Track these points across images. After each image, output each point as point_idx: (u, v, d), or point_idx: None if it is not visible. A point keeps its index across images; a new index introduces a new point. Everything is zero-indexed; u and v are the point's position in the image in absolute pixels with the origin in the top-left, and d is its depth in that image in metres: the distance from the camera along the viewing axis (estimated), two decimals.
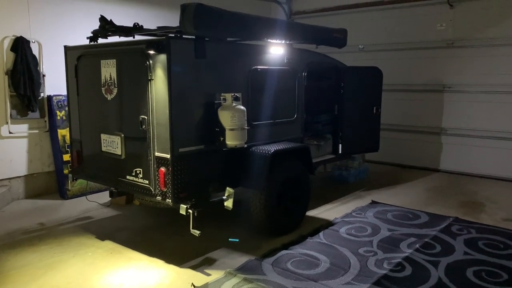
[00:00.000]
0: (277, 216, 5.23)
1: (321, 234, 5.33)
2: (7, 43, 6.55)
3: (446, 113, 8.78)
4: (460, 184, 7.94)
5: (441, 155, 8.92)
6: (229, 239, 4.75)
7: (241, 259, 4.64)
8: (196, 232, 4.46)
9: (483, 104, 8.31)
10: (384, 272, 4.35)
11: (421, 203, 6.70)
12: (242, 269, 4.39)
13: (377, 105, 7.49)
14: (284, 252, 4.79)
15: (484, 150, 8.35)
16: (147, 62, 4.48)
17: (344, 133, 7.02)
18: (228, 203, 4.64)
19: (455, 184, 7.95)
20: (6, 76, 6.55)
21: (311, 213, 6.08)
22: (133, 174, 4.86)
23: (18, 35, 6.59)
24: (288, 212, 5.41)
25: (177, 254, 4.79)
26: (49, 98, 7.00)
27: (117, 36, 5.17)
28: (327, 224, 5.69)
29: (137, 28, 4.97)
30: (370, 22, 9.55)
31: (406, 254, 4.75)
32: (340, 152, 7.07)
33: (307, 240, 5.14)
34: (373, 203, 6.67)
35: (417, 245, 4.99)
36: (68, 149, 6.60)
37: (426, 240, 5.15)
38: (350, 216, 6.04)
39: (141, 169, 4.77)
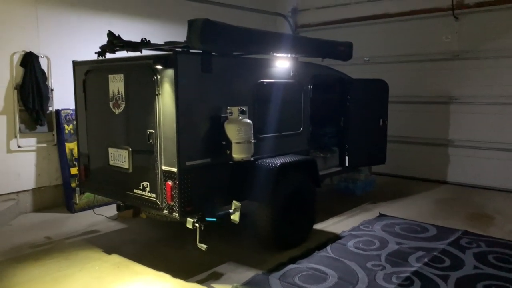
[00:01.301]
0: (284, 230, 5.21)
1: (328, 247, 5.29)
2: (16, 58, 6.65)
3: (453, 125, 8.75)
4: (468, 196, 7.87)
5: (449, 167, 8.86)
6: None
7: (248, 274, 4.61)
8: (203, 246, 4.44)
9: (490, 115, 8.28)
10: (393, 286, 4.30)
11: (429, 216, 6.64)
12: (249, 284, 4.37)
13: (383, 117, 7.49)
14: (291, 266, 4.76)
15: (492, 162, 8.29)
16: (155, 77, 4.52)
17: (350, 146, 7.00)
18: (235, 217, 4.63)
19: (463, 196, 7.89)
20: (15, 91, 6.63)
21: (318, 226, 6.05)
22: (140, 187, 4.87)
23: (28, 51, 6.69)
24: (294, 225, 5.38)
25: (183, 268, 4.78)
26: (57, 112, 7.07)
27: (125, 51, 5.22)
28: (334, 238, 5.65)
29: (144, 43, 5.02)
30: (376, 35, 9.59)
31: (415, 268, 4.69)
32: (346, 164, 7.04)
33: (314, 254, 5.10)
34: (381, 216, 6.63)
35: (426, 259, 4.93)
36: (76, 163, 6.63)
37: (434, 253, 5.10)
38: (357, 229, 6.00)
39: (148, 183, 4.78)
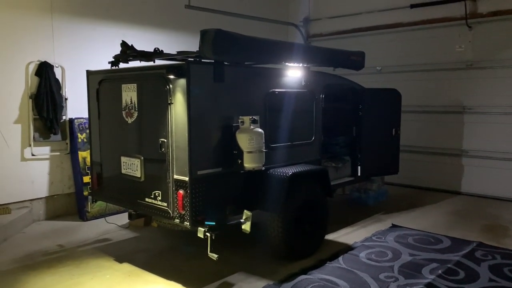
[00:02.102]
0: (295, 240, 5.17)
1: (340, 258, 5.24)
2: (32, 68, 6.76)
3: (467, 134, 8.65)
4: (483, 207, 7.75)
5: (463, 177, 8.74)
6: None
7: (259, 284, 4.58)
8: (214, 256, 4.43)
9: (504, 125, 8.17)
10: None
11: (442, 227, 6.54)
12: None
13: (396, 127, 7.43)
14: (302, 277, 4.71)
15: (507, 172, 8.16)
16: (167, 87, 4.55)
17: (362, 155, 6.95)
18: (246, 226, 4.62)
19: (477, 207, 7.77)
20: (30, 100, 6.73)
21: (330, 236, 6.00)
22: (152, 196, 4.89)
23: (43, 60, 6.80)
24: (306, 236, 5.34)
25: (194, 277, 4.77)
26: (71, 121, 7.15)
27: (138, 61, 5.28)
28: (346, 248, 5.59)
29: (157, 53, 5.08)
30: (388, 44, 9.56)
31: (429, 280, 4.62)
32: (359, 174, 6.99)
33: (326, 264, 5.05)
34: (394, 226, 6.55)
35: (440, 271, 4.85)
36: (88, 171, 6.70)
37: (449, 265, 5.02)
38: (370, 240, 5.93)
39: (159, 192, 4.80)
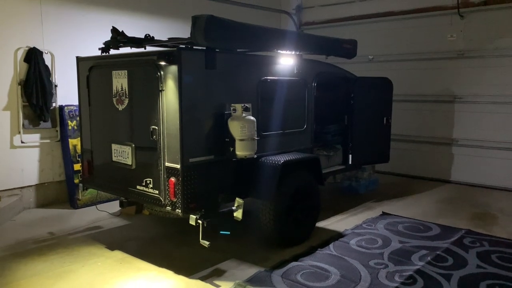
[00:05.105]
0: (287, 227, 5.20)
1: (331, 245, 5.29)
2: (20, 54, 6.65)
3: (457, 123, 8.72)
4: (472, 195, 7.85)
5: (452, 166, 8.83)
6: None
7: (251, 271, 4.61)
8: (206, 243, 4.44)
9: (494, 114, 8.24)
10: (396, 285, 4.29)
11: (432, 215, 6.62)
12: (251, 281, 4.37)
13: (387, 115, 7.47)
14: (293, 263, 4.75)
15: (496, 161, 8.25)
16: (158, 73, 4.51)
17: (354, 144, 6.98)
18: (238, 214, 4.64)
19: (466, 195, 7.86)
20: (19, 87, 6.64)
21: (321, 224, 6.04)
22: (143, 184, 4.87)
23: (31, 46, 6.69)
24: (297, 223, 5.37)
25: (186, 264, 4.78)
26: (61, 108, 7.07)
27: (129, 47, 5.22)
28: (337, 236, 5.64)
29: (148, 39, 5.02)
30: (380, 33, 9.55)
31: (418, 267, 4.68)
32: (350, 162, 7.02)
33: (317, 251, 5.10)
34: (384, 214, 6.61)
35: (429, 258, 4.92)
36: (79, 159, 6.66)
37: (437, 252, 5.08)
38: (360, 227, 5.98)
39: (151, 179, 4.78)
